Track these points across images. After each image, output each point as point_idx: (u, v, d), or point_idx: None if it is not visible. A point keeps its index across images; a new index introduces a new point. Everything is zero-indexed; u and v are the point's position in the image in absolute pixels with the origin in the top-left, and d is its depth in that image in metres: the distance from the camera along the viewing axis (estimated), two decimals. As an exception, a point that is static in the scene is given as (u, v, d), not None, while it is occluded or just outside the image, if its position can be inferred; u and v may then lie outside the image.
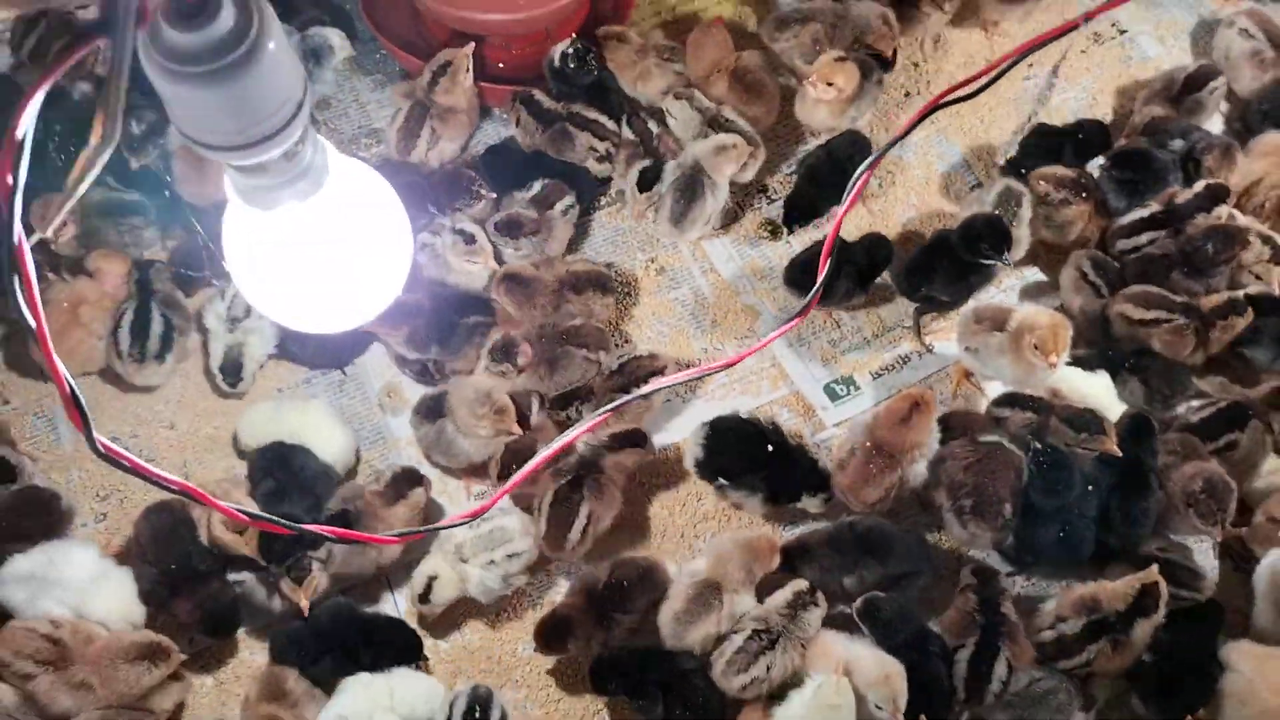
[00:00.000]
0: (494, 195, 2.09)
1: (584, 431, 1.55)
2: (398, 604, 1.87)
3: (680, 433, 1.99)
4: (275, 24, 0.86)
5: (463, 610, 1.85)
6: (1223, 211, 2.05)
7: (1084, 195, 2.09)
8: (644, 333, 2.12)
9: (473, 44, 2.15)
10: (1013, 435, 1.84)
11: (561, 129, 2.14)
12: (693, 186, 2.08)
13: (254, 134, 0.89)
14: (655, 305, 2.15)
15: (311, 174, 0.98)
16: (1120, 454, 1.79)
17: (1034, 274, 2.19)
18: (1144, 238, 2.06)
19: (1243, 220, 2.05)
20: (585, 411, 1.88)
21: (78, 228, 2.01)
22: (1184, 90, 2.22)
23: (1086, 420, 1.81)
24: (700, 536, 1.94)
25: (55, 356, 0.88)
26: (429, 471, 1.92)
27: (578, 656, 1.79)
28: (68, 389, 0.90)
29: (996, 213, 2.03)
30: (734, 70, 2.19)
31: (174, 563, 1.74)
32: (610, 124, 2.16)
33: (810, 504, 1.89)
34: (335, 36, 2.16)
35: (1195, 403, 1.96)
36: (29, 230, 0.88)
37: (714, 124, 2.14)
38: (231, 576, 1.76)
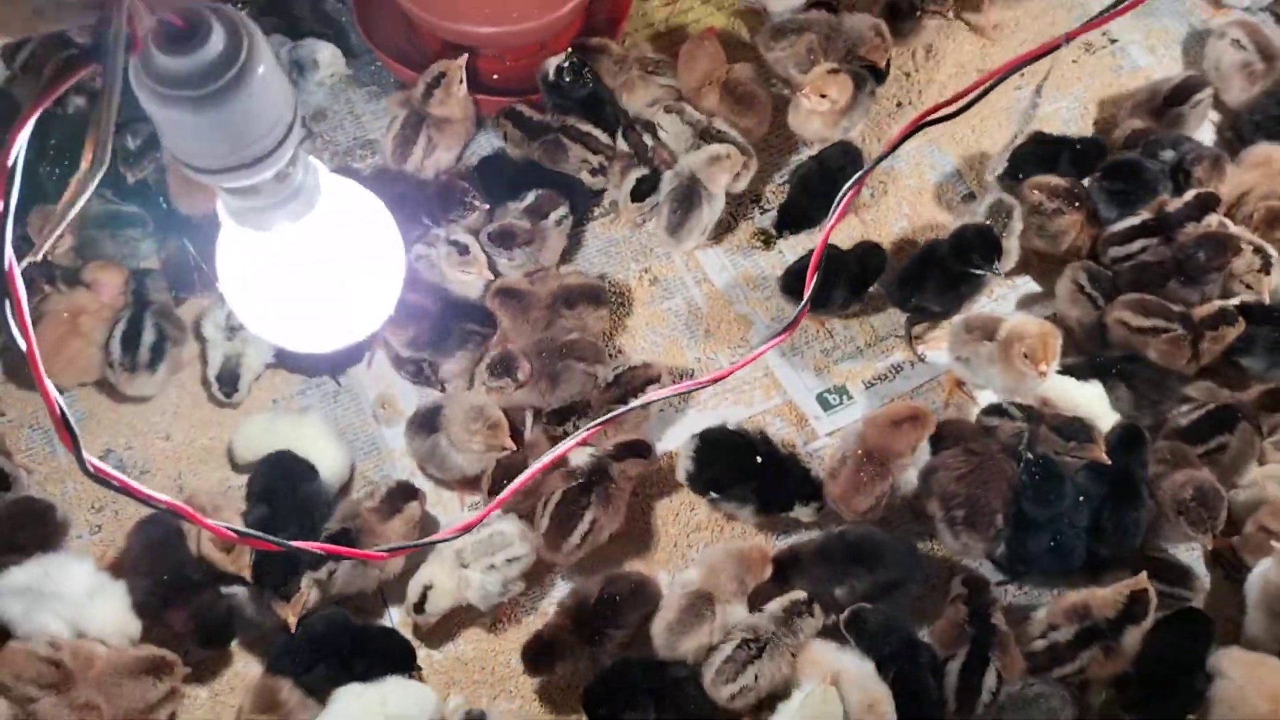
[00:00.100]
0: (487, 206, 2.10)
1: (575, 444, 1.56)
2: (392, 616, 1.88)
3: (673, 442, 2.00)
4: (265, 47, 0.87)
5: (457, 620, 1.85)
6: (1213, 220, 2.06)
7: (1077, 205, 2.10)
8: (637, 343, 2.13)
9: (466, 55, 2.16)
10: (1003, 444, 1.85)
11: (555, 140, 2.15)
12: (690, 197, 2.09)
13: (245, 156, 0.90)
14: (649, 315, 2.16)
15: (303, 195, 0.99)
16: (1109, 462, 1.80)
17: (1026, 282, 2.20)
18: (1136, 245, 2.07)
19: (1234, 229, 2.06)
20: (582, 425, 1.89)
21: (75, 239, 2.03)
22: (1167, 103, 2.23)
23: (1075, 429, 1.82)
24: (693, 546, 1.95)
25: (46, 379, 0.89)
26: (423, 483, 1.93)
27: (566, 676, 1.79)
28: (58, 410, 0.91)
29: (987, 223, 2.04)
30: (725, 82, 2.21)
31: (166, 574, 1.74)
32: (604, 137, 2.17)
33: (802, 513, 1.90)
34: (325, 51, 2.18)
35: (1183, 406, 1.97)
36: (20, 253, 0.89)
37: (705, 136, 2.15)
38: (224, 590, 1.76)
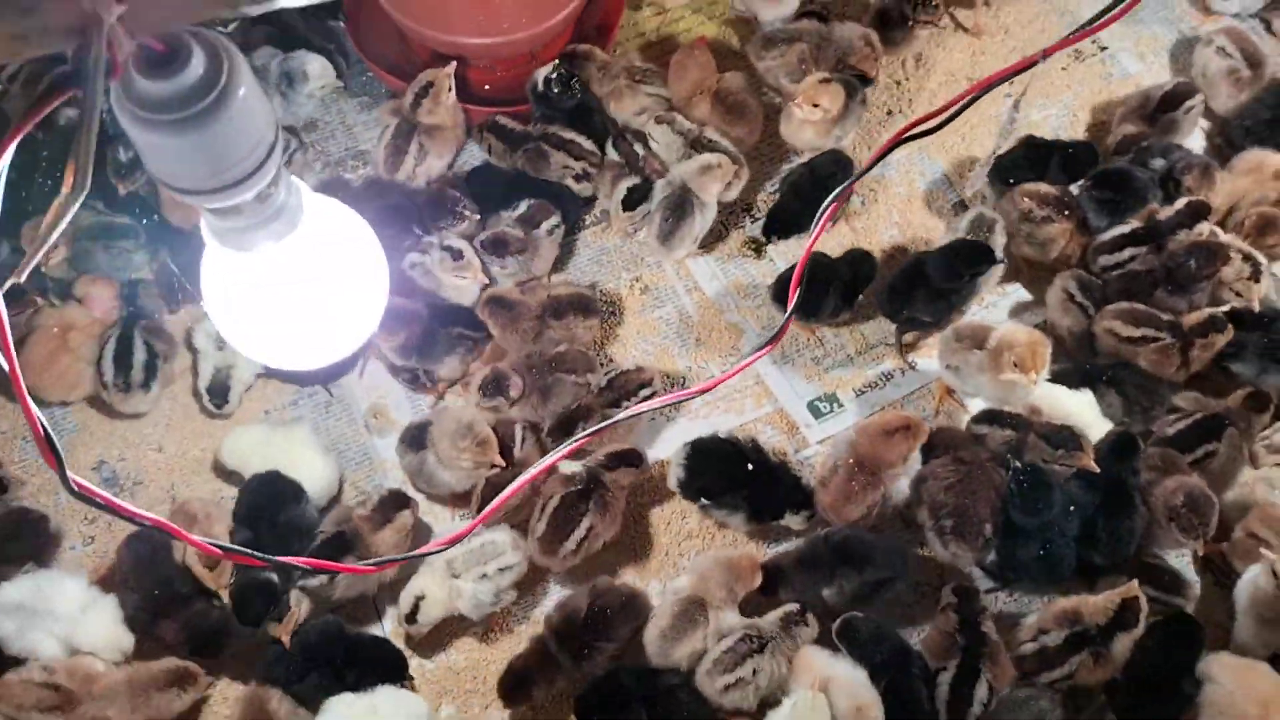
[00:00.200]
0: (477, 216, 2.11)
1: (563, 455, 1.56)
2: (384, 626, 1.88)
3: (665, 451, 2.00)
4: (245, 70, 0.88)
5: (448, 630, 1.86)
6: (1204, 228, 2.06)
7: (1066, 214, 2.11)
8: (629, 351, 2.14)
9: (454, 63, 2.17)
10: (993, 453, 1.86)
11: (537, 149, 2.16)
12: (682, 205, 2.10)
13: (227, 178, 0.91)
14: (640, 324, 2.17)
15: (285, 215, 0.99)
16: (1098, 470, 1.81)
17: (1016, 290, 2.21)
18: (1126, 253, 2.08)
19: (1224, 238, 2.06)
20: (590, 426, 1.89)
21: (68, 251, 2.03)
22: (1159, 108, 2.24)
23: (1064, 437, 1.82)
24: (685, 555, 1.96)
25: (28, 398, 0.89)
26: (414, 493, 1.94)
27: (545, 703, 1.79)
28: (40, 429, 0.92)
29: (969, 237, 2.05)
30: (716, 92, 2.21)
31: (156, 588, 1.75)
32: (587, 144, 2.18)
33: (793, 521, 1.91)
34: (315, 63, 2.19)
35: (1170, 415, 1.98)
36: (15, 263, 0.89)
37: (696, 146, 2.15)
38: (215, 602, 1.77)
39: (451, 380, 2.06)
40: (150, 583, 1.76)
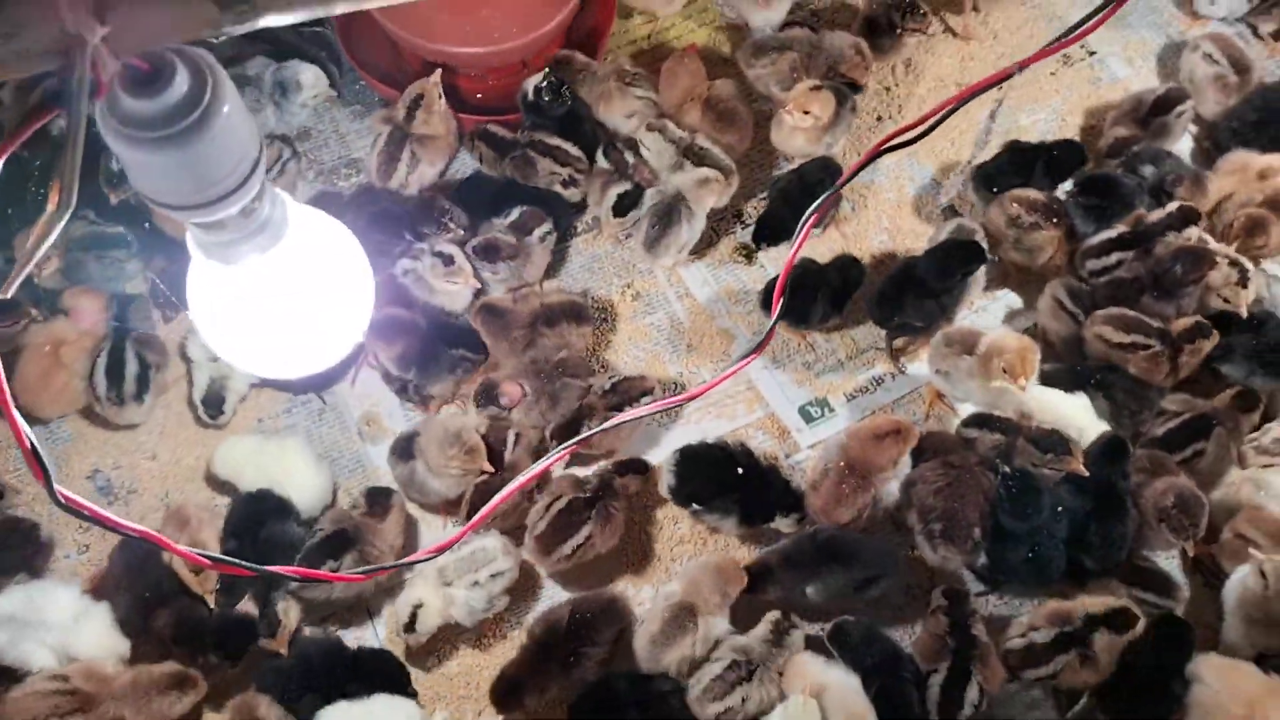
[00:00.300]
0: (463, 230, 2.12)
1: (551, 463, 1.58)
2: (378, 632, 1.89)
3: (657, 457, 2.01)
4: (229, 87, 0.89)
5: (442, 636, 1.87)
6: (1193, 233, 2.07)
7: (1054, 221, 2.12)
8: (621, 358, 2.15)
9: (439, 71, 2.18)
10: (982, 457, 1.87)
11: (524, 155, 2.17)
12: (670, 214, 2.11)
13: (211, 193, 0.92)
14: (632, 331, 2.18)
15: (270, 228, 1.01)
16: (1087, 474, 1.82)
17: (1005, 294, 2.22)
18: (1113, 258, 2.09)
19: (1213, 245, 2.07)
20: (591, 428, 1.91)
21: (61, 261, 2.04)
22: (1152, 112, 2.25)
23: (1053, 441, 1.83)
24: (677, 560, 1.97)
25: (16, 414, 0.90)
26: (407, 504, 1.96)
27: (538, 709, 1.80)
28: (27, 443, 0.93)
29: (953, 238, 2.06)
30: (707, 99, 2.23)
31: (147, 591, 1.77)
32: (573, 150, 2.18)
33: (784, 524, 1.92)
34: (308, 72, 2.20)
35: (1159, 417, 1.99)
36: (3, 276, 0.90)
37: (688, 153, 2.16)
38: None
39: (444, 399, 2.07)
40: (142, 586, 1.77)
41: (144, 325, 2.06)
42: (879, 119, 2.42)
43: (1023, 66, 1.44)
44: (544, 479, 1.93)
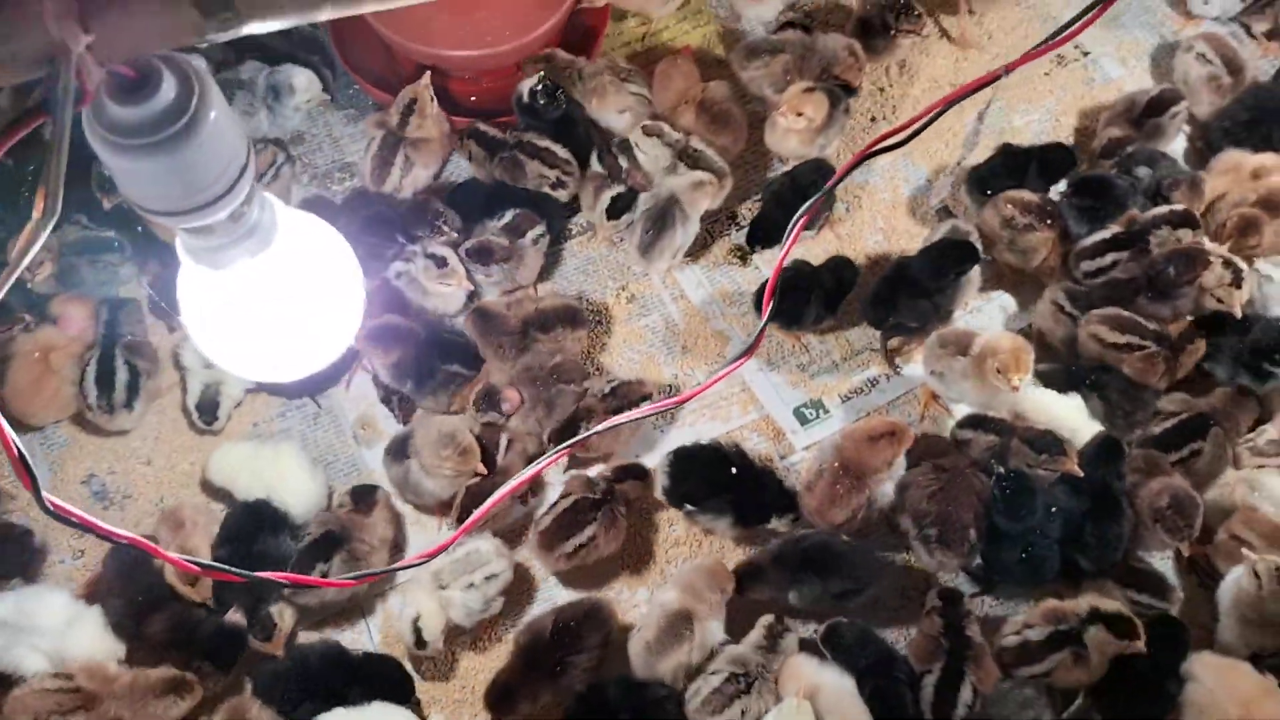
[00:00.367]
0: (455, 235, 2.12)
1: (549, 463, 1.58)
2: (372, 634, 1.89)
3: (653, 460, 2.01)
4: (215, 94, 0.89)
5: (438, 640, 1.87)
6: (1186, 235, 2.06)
7: (1048, 222, 2.12)
8: (616, 360, 2.15)
9: (429, 74, 2.17)
10: (975, 459, 1.87)
11: (512, 157, 2.17)
12: (664, 218, 2.11)
13: (199, 199, 0.92)
14: (626, 333, 2.18)
15: (259, 232, 1.00)
16: (1081, 474, 1.82)
17: (999, 295, 2.22)
18: (1108, 259, 2.08)
19: (1207, 245, 2.07)
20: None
21: (55, 266, 2.04)
22: (1145, 113, 2.25)
23: (1047, 442, 1.84)
24: (672, 562, 1.97)
25: (3, 421, 0.90)
26: (402, 507, 1.96)
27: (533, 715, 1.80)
28: (15, 452, 0.92)
29: (947, 238, 2.06)
30: (701, 101, 2.22)
31: (139, 595, 1.77)
32: (562, 151, 2.18)
33: (779, 525, 1.92)
34: (301, 76, 2.20)
35: (1156, 416, 1.99)
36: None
37: (683, 155, 2.16)
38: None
39: (436, 411, 2.06)
40: (134, 590, 1.78)
41: (136, 330, 2.05)
42: (873, 120, 2.42)
43: (1009, 70, 1.44)
44: (537, 483, 1.93)
